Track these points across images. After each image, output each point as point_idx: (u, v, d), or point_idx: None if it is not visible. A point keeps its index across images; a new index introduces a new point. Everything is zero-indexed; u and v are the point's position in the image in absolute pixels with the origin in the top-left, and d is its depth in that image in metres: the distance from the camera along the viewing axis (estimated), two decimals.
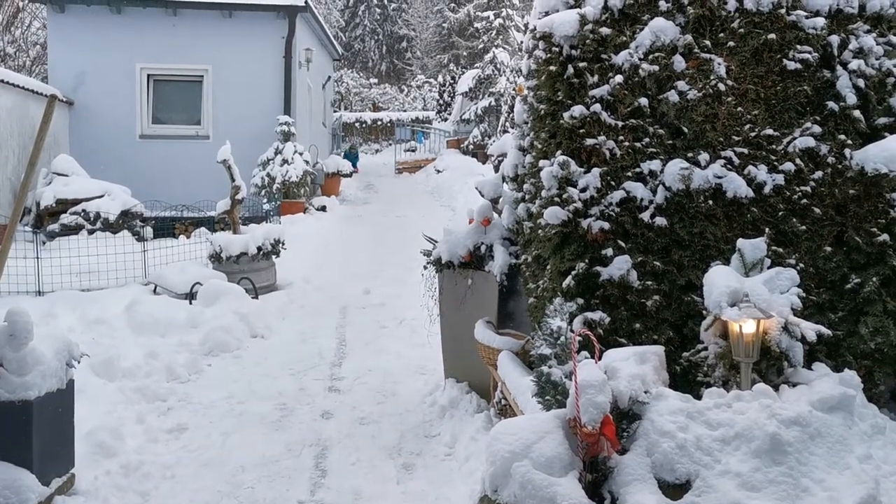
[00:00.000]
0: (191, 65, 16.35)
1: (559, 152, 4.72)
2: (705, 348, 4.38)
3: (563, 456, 3.79)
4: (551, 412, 4.00)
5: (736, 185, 4.50)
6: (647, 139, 4.66)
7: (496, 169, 20.86)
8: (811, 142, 4.52)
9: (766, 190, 4.52)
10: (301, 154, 15.77)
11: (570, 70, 4.71)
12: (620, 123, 4.65)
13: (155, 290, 8.61)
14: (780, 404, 3.76)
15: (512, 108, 21.36)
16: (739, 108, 4.58)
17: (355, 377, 6.70)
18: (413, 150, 28.42)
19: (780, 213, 4.54)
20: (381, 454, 5.18)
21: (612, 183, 4.65)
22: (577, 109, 4.65)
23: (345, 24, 46.01)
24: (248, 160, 15.00)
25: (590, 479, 3.83)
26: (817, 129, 4.55)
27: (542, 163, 4.81)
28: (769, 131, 4.57)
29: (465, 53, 37.87)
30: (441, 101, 32.68)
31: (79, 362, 4.20)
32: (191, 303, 8.14)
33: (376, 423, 5.70)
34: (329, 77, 24.76)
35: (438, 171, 23.24)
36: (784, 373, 4.20)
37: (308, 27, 18.38)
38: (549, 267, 4.83)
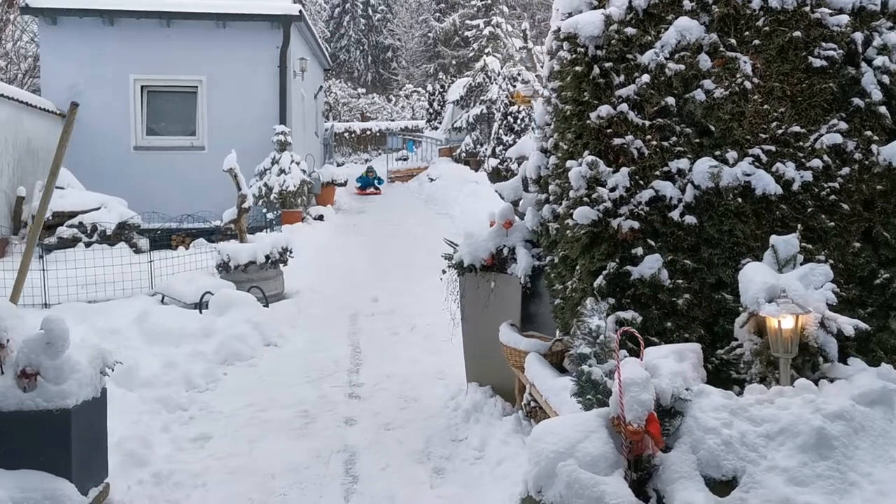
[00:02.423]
0: (185, 76, 16.27)
1: (586, 152, 4.72)
2: (740, 345, 4.38)
3: (608, 454, 3.78)
4: (593, 411, 3.99)
5: (765, 183, 4.52)
6: (674, 138, 4.67)
7: (492, 177, 20.93)
8: (838, 138, 4.55)
9: (795, 187, 4.55)
10: (298, 164, 15.73)
11: (596, 70, 4.73)
12: (647, 123, 4.67)
13: (163, 301, 8.54)
14: (823, 399, 3.77)
15: (505, 115, 21.45)
16: (766, 106, 4.61)
17: (374, 383, 6.67)
18: (405, 159, 28.41)
19: (809, 210, 4.56)
20: (409, 459, 5.15)
21: (641, 182, 4.66)
22: (604, 109, 4.66)
23: (330, 35, 46.03)
24: (243, 170, 14.80)
25: (634, 477, 3.82)
26: (843, 125, 4.59)
27: (569, 163, 4.81)
28: (796, 128, 4.60)
29: (454, 63, 37.96)
30: (431, 110, 32.67)
31: (112, 370, 4.15)
32: (201, 312, 8.08)
33: (401, 429, 5.66)
34: (321, 87, 24.75)
35: (432, 180, 23.22)
36: (820, 368, 4.21)
37: (301, 37, 18.37)
38: (578, 267, 4.83)
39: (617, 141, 4.66)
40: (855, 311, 4.56)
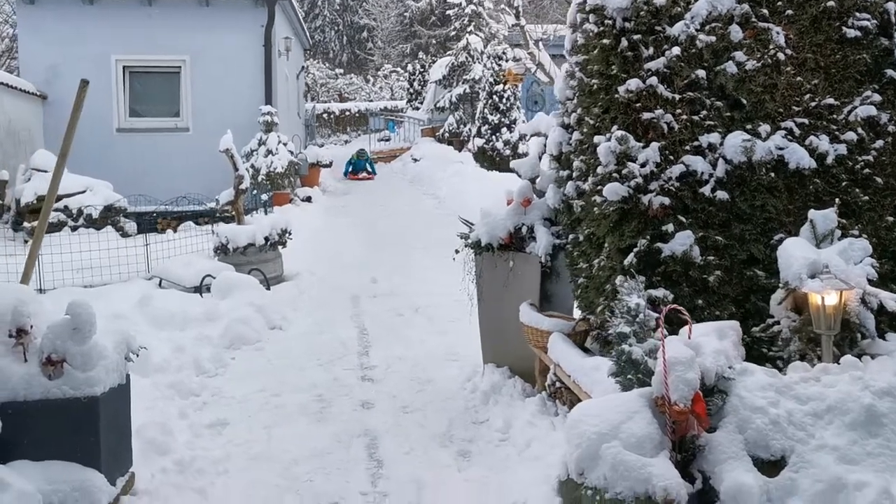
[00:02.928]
0: (168, 56, 15.91)
1: (615, 127, 4.61)
2: (776, 323, 4.32)
3: (653, 435, 3.70)
4: (635, 391, 3.90)
5: (799, 156, 4.44)
6: (704, 112, 4.57)
7: (477, 157, 20.76)
8: (872, 110, 4.48)
9: (829, 160, 4.48)
10: (285, 144, 15.48)
11: (624, 43, 4.61)
12: (677, 96, 4.56)
13: (160, 284, 8.35)
14: (870, 376, 3.71)
15: (491, 94, 21.27)
16: (799, 78, 4.52)
17: (386, 366, 6.55)
18: (387, 140, 28.17)
19: (843, 184, 4.49)
20: (432, 442, 5.05)
21: (671, 157, 4.56)
22: (633, 83, 4.54)
23: (304, 15, 45.42)
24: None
25: (678, 458, 3.74)
26: (877, 97, 4.51)
27: (596, 138, 4.70)
28: (830, 100, 4.52)
29: (433, 42, 37.63)
30: (411, 90, 32.40)
31: (137, 355, 4.00)
32: (201, 295, 7.90)
33: (420, 412, 5.56)
34: (303, 67, 24.43)
35: (416, 160, 23.03)
36: (859, 344, 4.16)
37: (285, 16, 18.06)
38: (606, 245, 4.73)
39: (646, 115, 4.55)
40: (888, 285, 4.50)
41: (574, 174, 5.09)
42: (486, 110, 21.30)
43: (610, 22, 4.64)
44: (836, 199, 4.28)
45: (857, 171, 4.49)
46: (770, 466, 3.65)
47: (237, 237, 8.76)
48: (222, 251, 8.78)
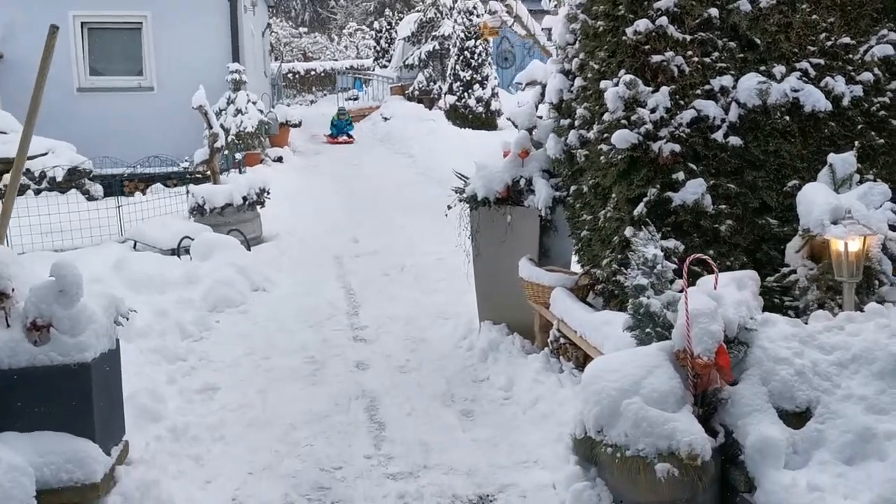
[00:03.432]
0: (128, 11, 15.28)
1: (622, 71, 4.41)
2: (793, 271, 4.19)
3: (676, 390, 3.56)
4: (654, 345, 3.75)
5: (815, 99, 4.28)
6: (716, 53, 4.39)
7: (449, 115, 20.41)
8: (889, 50, 4.32)
9: (845, 102, 4.32)
10: (255, 103, 15.04)
11: None
12: (688, 37, 4.37)
13: (135, 247, 8.03)
14: None
15: (462, 50, 20.89)
16: (814, 16, 4.35)
17: (377, 326, 6.35)
18: (355, 99, 27.63)
19: (859, 127, 4.34)
20: (434, 402, 4.88)
21: (681, 102, 4.38)
22: (642, 24, 4.33)
23: None
24: (195, 112, 14.18)
25: (699, 412, 3.62)
26: (894, 35, 4.35)
27: (603, 84, 4.49)
28: (846, 39, 4.36)
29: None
30: (378, 48, 31.78)
31: (127, 319, 3.74)
32: (179, 257, 7.61)
33: (417, 371, 5.38)
34: (268, 24, 23.77)
35: (385, 119, 22.64)
36: (877, 292, 4.05)
37: None
38: (613, 195, 4.55)
39: (655, 58, 4.34)
40: None
41: (577, 122, 4.88)
42: (457, 67, 20.94)
43: None
44: (856, 143, 4.13)
45: (872, 113, 4.35)
46: (795, 418, 3.54)
47: (214, 197, 8.44)
48: (198, 212, 8.46)
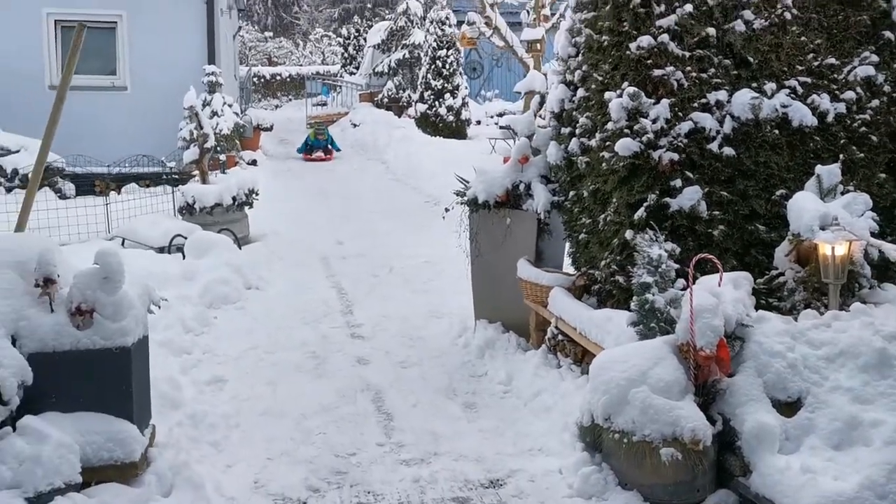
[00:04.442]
0: (103, 10, 15.15)
1: (625, 84, 4.68)
2: (781, 274, 4.49)
3: (680, 380, 3.83)
4: (659, 339, 4.02)
5: (802, 114, 4.60)
6: (712, 69, 4.68)
7: (419, 123, 20.63)
8: (870, 70, 4.66)
9: (829, 118, 4.64)
10: (230, 106, 15.09)
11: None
12: (687, 54, 4.65)
13: (123, 244, 8.09)
14: (880, 321, 3.91)
15: (434, 59, 21.14)
16: (803, 38, 4.67)
17: (373, 324, 6.54)
18: (323, 104, 27.69)
19: (842, 142, 4.67)
20: (438, 395, 5.09)
21: (680, 114, 4.66)
22: (645, 40, 4.61)
23: None
24: (171, 114, 14.16)
25: (699, 402, 3.89)
26: (875, 57, 4.69)
27: (607, 95, 4.76)
28: (831, 60, 4.69)
29: (367, 7, 37.13)
30: (346, 55, 31.91)
31: (159, 307, 3.90)
32: (170, 255, 7.71)
33: (418, 366, 5.59)
34: (239, 27, 23.79)
35: (355, 125, 22.73)
36: (857, 294, 4.37)
37: None
38: (614, 200, 4.82)
39: (657, 72, 4.62)
40: (881, 238, 4.71)
41: (578, 131, 5.14)
42: (429, 76, 21.16)
43: None
44: (841, 155, 4.46)
45: (854, 129, 4.68)
46: (787, 407, 3.83)
47: (204, 197, 8.55)
48: (188, 211, 8.57)
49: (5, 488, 3.02)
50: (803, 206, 4.19)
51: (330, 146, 18.91)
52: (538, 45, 13.02)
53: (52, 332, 3.40)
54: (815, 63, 4.67)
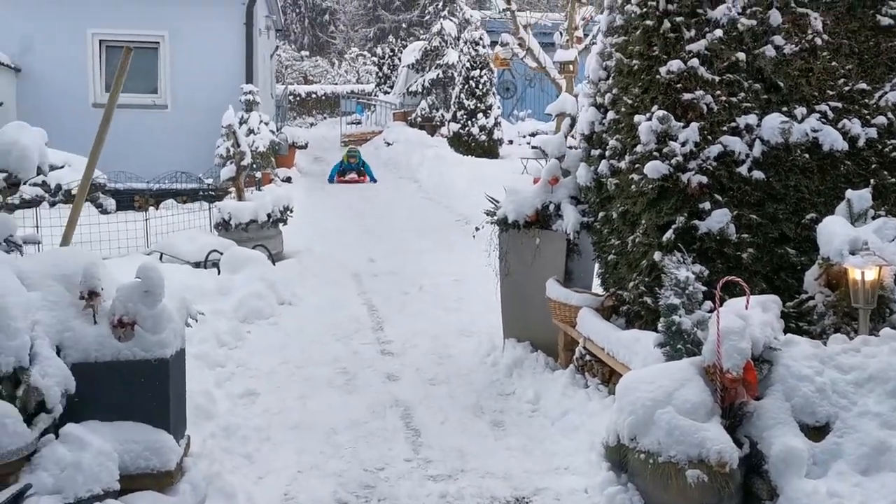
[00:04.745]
0: (146, 31, 15.59)
1: (655, 107, 4.74)
2: (810, 298, 4.50)
3: (706, 402, 3.85)
4: (685, 360, 4.05)
5: (832, 139, 4.61)
6: (742, 94, 4.72)
7: (452, 142, 20.76)
8: None
9: (860, 143, 4.66)
10: (266, 124, 15.37)
11: (667, 25, 4.73)
12: (717, 78, 4.70)
13: (161, 259, 8.28)
14: None
15: (467, 79, 21.31)
16: (834, 63, 4.70)
17: (403, 341, 6.62)
18: (358, 123, 28.02)
19: (873, 167, 4.67)
20: (466, 413, 5.15)
21: (709, 137, 4.70)
22: (675, 64, 4.67)
23: None
24: (209, 131, 14.48)
25: (725, 424, 3.90)
26: None
27: (636, 118, 4.82)
28: (862, 85, 4.70)
29: (404, 27, 37.55)
30: (381, 74, 32.26)
31: (196, 321, 4.02)
32: (206, 269, 7.88)
33: (446, 384, 5.65)
34: (276, 47, 24.20)
35: (388, 144, 22.99)
36: (887, 319, 4.36)
37: None
38: (643, 222, 4.86)
39: (686, 96, 4.68)
40: None
41: (608, 153, 5.20)
42: (462, 95, 21.33)
43: (653, 3, 4.76)
44: (871, 181, 4.46)
45: (885, 154, 4.68)
46: (815, 432, 3.83)
47: (240, 213, 8.73)
48: (224, 227, 8.74)
49: (47, 494, 3.13)
50: (833, 231, 4.20)
51: (362, 168, 18.40)
52: (571, 66, 13.13)
53: (95, 343, 3.53)
54: (846, 88, 4.69)
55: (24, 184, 13.38)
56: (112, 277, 3.80)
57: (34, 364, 3.25)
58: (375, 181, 18.09)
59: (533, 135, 20.74)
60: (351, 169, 18.17)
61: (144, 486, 3.53)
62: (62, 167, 13.98)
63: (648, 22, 4.77)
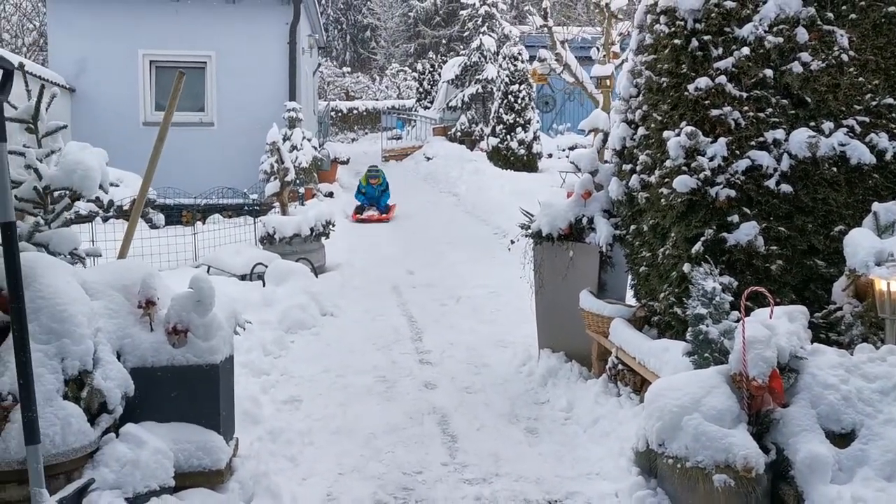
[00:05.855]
0: (194, 51, 16.13)
1: (683, 123, 4.88)
2: (839, 308, 4.59)
3: (732, 409, 3.97)
4: (712, 368, 4.17)
5: (860, 153, 4.71)
6: (769, 109, 4.84)
7: (491, 156, 20.95)
8: None
9: (888, 157, 4.74)
10: (309, 140, 15.74)
11: (695, 43, 4.88)
12: (745, 94, 4.83)
13: (208, 271, 8.59)
14: None
15: (506, 94, 21.53)
16: (861, 79, 4.79)
17: (440, 351, 6.81)
18: (398, 138, 28.39)
19: None
20: (500, 420, 5.31)
21: (737, 152, 4.82)
22: (703, 81, 4.81)
23: None
24: (254, 148, 14.90)
25: (752, 431, 4.01)
26: None
27: (665, 134, 4.96)
28: (889, 100, 4.79)
29: (444, 42, 37.93)
30: (421, 89, 32.66)
31: (244, 329, 4.25)
32: (251, 281, 8.16)
33: (482, 392, 5.82)
34: (319, 64, 24.68)
35: (428, 159, 23.29)
36: None
37: (307, 13, 18.31)
38: (672, 234, 4.99)
39: (714, 112, 4.81)
40: None
41: (638, 168, 5.35)
42: (501, 110, 21.54)
43: (681, 23, 4.91)
44: None
45: None
46: (840, 439, 3.93)
47: (284, 227, 9.02)
48: (268, 241, 9.04)
49: (108, 488, 3.37)
50: (859, 243, 4.30)
51: (385, 189, 15.69)
52: (608, 81, 13.27)
53: (151, 349, 3.78)
54: (874, 103, 4.78)
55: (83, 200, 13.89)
56: (166, 288, 4.05)
57: (97, 368, 3.50)
58: (387, 209, 15.36)
59: (572, 148, 20.84)
60: (372, 197, 15.50)
61: (197, 483, 3.76)
62: (116, 185, 14.53)
63: (677, 41, 4.92)
